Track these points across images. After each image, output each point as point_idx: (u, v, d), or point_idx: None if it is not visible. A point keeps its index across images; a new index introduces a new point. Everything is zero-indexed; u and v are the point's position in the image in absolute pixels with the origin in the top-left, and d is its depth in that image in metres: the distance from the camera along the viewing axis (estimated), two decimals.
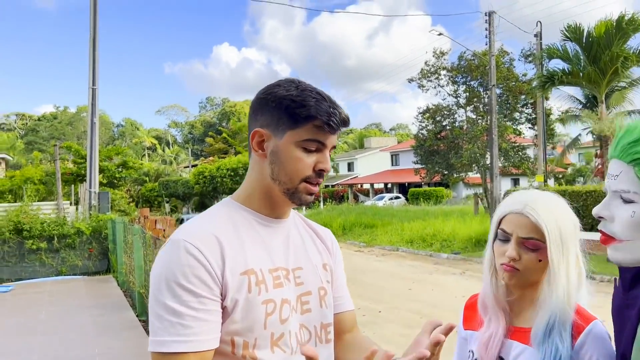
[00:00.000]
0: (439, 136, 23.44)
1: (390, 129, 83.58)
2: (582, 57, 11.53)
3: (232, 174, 27.15)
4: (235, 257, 1.12)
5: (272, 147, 1.19)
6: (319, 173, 1.20)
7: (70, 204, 19.43)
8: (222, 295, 1.09)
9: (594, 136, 18.07)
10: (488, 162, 20.66)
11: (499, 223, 1.46)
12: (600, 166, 14.52)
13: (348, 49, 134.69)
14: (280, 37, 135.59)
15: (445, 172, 23.76)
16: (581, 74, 11.48)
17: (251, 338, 1.11)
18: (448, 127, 23.42)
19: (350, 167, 52.77)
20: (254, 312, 1.11)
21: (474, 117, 23.10)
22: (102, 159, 20.48)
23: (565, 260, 1.37)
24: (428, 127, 24.08)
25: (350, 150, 61.49)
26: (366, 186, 48.07)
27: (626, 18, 10.52)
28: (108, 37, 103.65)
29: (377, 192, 46.47)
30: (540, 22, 15.59)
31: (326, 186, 47.69)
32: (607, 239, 0.98)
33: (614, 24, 10.69)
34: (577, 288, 1.39)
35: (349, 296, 1.47)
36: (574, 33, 11.09)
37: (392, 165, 48.05)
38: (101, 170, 20.34)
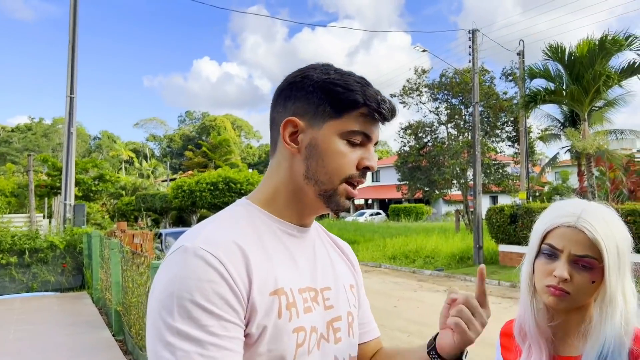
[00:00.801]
0: (421, 152, 23.60)
1: None
2: (564, 76, 11.68)
3: (212, 188, 26.73)
4: (263, 272, 0.91)
5: (308, 140, 0.99)
6: (364, 172, 1.01)
7: (44, 217, 18.83)
8: (246, 320, 0.88)
9: (572, 154, 18.34)
10: (470, 178, 20.77)
11: (544, 237, 1.26)
12: (582, 185, 14.65)
13: None
14: (261, 53, 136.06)
15: (427, 189, 23.86)
16: (564, 92, 11.62)
17: None
18: (430, 144, 23.61)
19: None
20: (284, 342, 0.90)
21: (456, 133, 23.34)
22: (78, 171, 19.93)
23: (622, 282, 1.19)
24: (410, 144, 24.24)
25: None
26: None
27: (609, 38, 10.71)
28: (86, 48, 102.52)
29: (357, 207, 46.44)
30: (522, 40, 15.83)
31: None
32: None
33: (597, 43, 10.88)
34: (636, 313, 1.21)
35: (374, 320, 1.27)
36: (555, 52, 11.25)
37: (373, 181, 48.18)
38: (77, 183, 19.79)
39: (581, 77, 11.04)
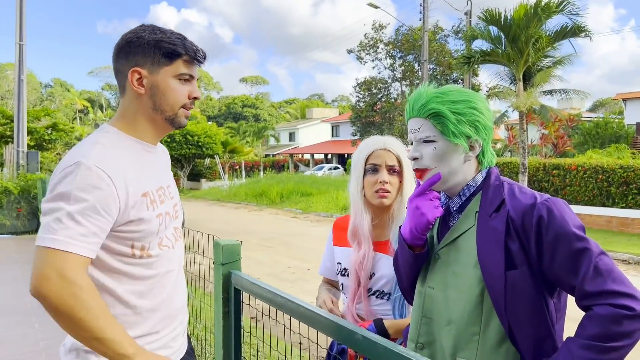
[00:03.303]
0: (374, 108, 24.14)
1: (333, 100, 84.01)
2: (502, 38, 12.33)
3: (169, 139, 26.67)
4: (135, 181, 1.35)
5: (151, 83, 1.40)
6: (193, 101, 1.47)
7: None
8: (124, 214, 1.32)
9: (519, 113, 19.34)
10: None
11: (367, 161, 1.88)
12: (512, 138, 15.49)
13: (293, 15, 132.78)
14: (222, 0, 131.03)
15: None
16: (501, 53, 12.32)
17: (147, 242, 1.40)
18: (383, 100, 24.15)
19: (291, 137, 52.93)
20: (151, 224, 1.40)
21: (409, 91, 23.98)
22: (29, 120, 19.53)
23: (410, 180, 1.87)
24: (365, 99, 24.72)
25: (292, 120, 61.54)
26: (307, 156, 48.51)
27: (542, 3, 11.37)
28: None
29: (317, 162, 46.98)
30: (470, 0, 16.33)
31: (267, 155, 47.73)
32: (422, 172, 1.39)
33: (533, 7, 11.52)
34: None
35: None
36: (491, 16, 11.84)
37: (333, 136, 48.63)
38: (29, 132, 19.44)
39: (517, 39, 11.73)
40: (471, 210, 1.36)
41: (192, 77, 1.45)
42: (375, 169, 1.85)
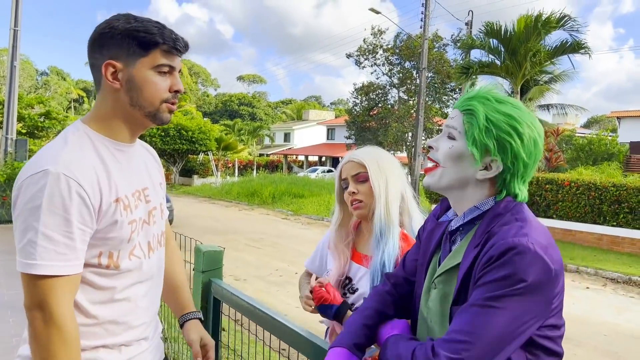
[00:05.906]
0: (370, 114, 24.15)
1: (331, 103, 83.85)
2: (502, 50, 12.34)
3: (163, 134, 26.52)
4: (106, 187, 1.26)
5: (127, 77, 1.28)
6: (175, 94, 1.33)
7: None
8: (99, 223, 1.24)
9: None
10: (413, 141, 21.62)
11: (340, 179, 1.88)
12: None
13: (295, 15, 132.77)
14: None
15: None
16: (500, 65, 12.32)
17: (116, 250, 1.30)
18: (380, 105, 24.15)
19: (286, 137, 52.82)
20: (123, 231, 1.29)
21: (406, 97, 23.98)
22: (22, 106, 19.31)
23: (384, 181, 1.79)
24: (362, 104, 24.72)
25: (288, 120, 61.46)
26: (301, 158, 48.41)
27: (543, 18, 11.35)
28: None
29: (311, 164, 46.91)
30: (472, 11, 16.37)
31: (261, 154, 47.59)
32: (430, 169, 1.25)
33: (533, 20, 11.51)
34: (396, 202, 1.80)
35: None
36: (492, 29, 11.84)
37: (328, 139, 48.54)
38: (22, 119, 19.23)
39: (516, 52, 11.73)
40: (467, 240, 1.22)
41: (172, 68, 1.32)
42: (346, 185, 1.86)
